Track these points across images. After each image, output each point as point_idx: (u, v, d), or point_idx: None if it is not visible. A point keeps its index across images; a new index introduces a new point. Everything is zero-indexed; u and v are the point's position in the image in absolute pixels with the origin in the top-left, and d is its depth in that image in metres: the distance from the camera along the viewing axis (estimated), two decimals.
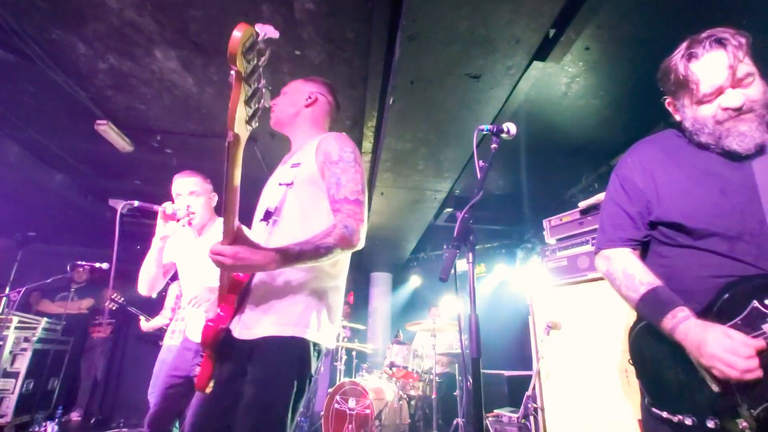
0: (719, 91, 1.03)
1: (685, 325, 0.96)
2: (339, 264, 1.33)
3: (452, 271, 1.12)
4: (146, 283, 2.18)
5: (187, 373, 2.08)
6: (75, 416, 4.68)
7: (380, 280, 7.09)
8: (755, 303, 0.92)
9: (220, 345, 1.24)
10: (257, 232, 1.40)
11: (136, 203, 2.21)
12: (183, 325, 3.30)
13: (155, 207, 2.18)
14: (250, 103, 1.05)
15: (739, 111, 1.01)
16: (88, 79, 2.99)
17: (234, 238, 1.12)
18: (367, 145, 3.66)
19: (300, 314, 1.20)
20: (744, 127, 1.01)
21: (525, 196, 4.58)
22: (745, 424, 0.88)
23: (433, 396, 3.56)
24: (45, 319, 4.16)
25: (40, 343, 4.05)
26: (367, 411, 3.30)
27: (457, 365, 4.31)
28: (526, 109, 2.96)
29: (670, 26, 2.21)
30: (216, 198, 2.31)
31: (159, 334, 3.75)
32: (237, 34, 0.89)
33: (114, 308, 3.71)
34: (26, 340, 3.92)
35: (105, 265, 4.07)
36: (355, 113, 3.29)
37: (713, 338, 0.90)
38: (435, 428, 3.49)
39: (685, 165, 1.11)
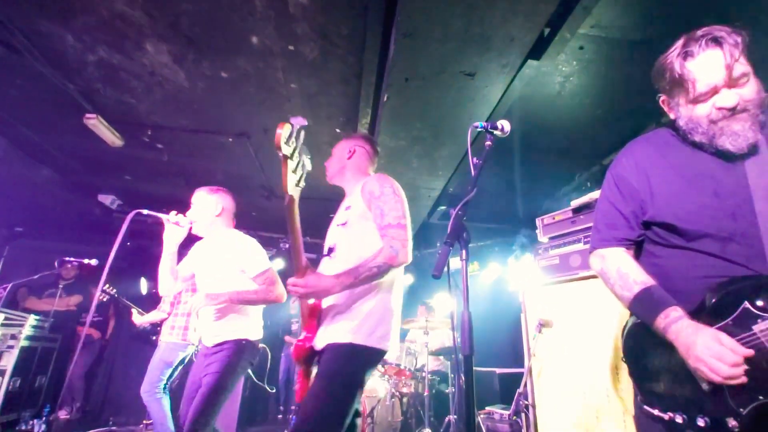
0: (714, 91, 1.03)
1: (677, 326, 0.97)
2: (387, 281, 1.58)
3: (445, 268, 1.11)
4: (163, 286, 2.43)
5: (200, 377, 2.18)
6: (63, 414, 4.62)
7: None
8: (746, 304, 0.93)
9: (308, 359, 1.61)
10: (324, 266, 1.70)
11: (146, 211, 2.40)
12: (183, 321, 3.28)
13: (161, 216, 2.38)
14: (296, 171, 1.45)
15: (733, 111, 1.01)
16: (76, 72, 2.94)
17: (304, 272, 1.49)
18: None
19: (356, 326, 1.49)
20: (737, 127, 1.01)
21: (518, 194, 4.60)
22: (734, 422, 0.89)
23: (425, 393, 3.57)
24: (32, 316, 4.09)
25: (27, 340, 3.98)
26: (359, 408, 3.30)
27: (449, 362, 4.33)
28: (520, 107, 2.96)
29: (664, 27, 2.23)
30: (220, 206, 2.46)
31: (151, 329, 3.69)
32: (279, 131, 1.32)
33: (105, 299, 3.61)
34: (13, 337, 3.85)
35: (94, 262, 4.02)
36: (349, 110, 3.27)
37: (702, 341, 0.91)
38: (427, 425, 3.50)
39: (679, 165, 1.11)
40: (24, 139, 3.89)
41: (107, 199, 5.16)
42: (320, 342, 1.56)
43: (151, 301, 3.63)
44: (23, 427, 3.91)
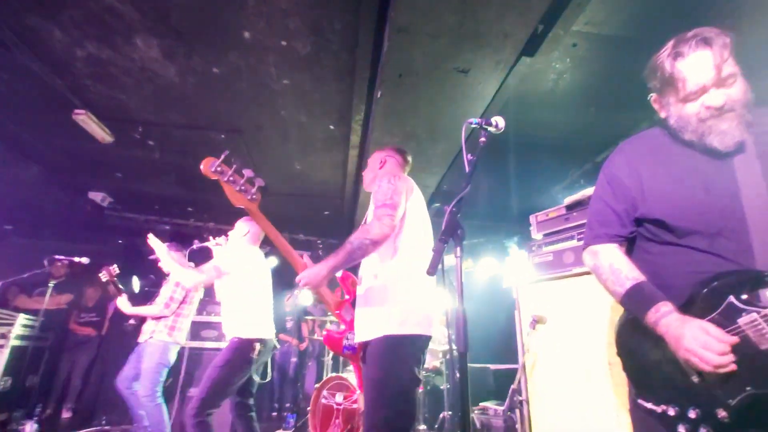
0: (703, 90, 1.05)
1: (666, 320, 0.99)
2: (405, 270, 1.66)
3: (440, 265, 1.11)
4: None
5: None
6: (65, 414, 4.58)
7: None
8: (731, 298, 0.95)
9: (349, 351, 1.82)
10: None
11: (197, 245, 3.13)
12: (187, 322, 3.31)
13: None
14: (242, 189, 1.74)
15: (721, 110, 1.04)
16: (65, 67, 2.89)
17: (303, 267, 1.72)
18: (355, 139, 3.62)
19: (383, 319, 1.57)
20: (725, 126, 1.03)
21: (512, 191, 4.61)
22: (723, 413, 0.91)
23: (420, 390, 3.58)
24: (22, 315, 4.03)
25: (17, 339, 3.92)
26: (355, 405, 3.30)
27: (444, 359, 4.34)
28: (513, 104, 2.96)
29: (657, 25, 2.23)
30: (242, 229, 2.84)
31: (133, 327, 3.57)
32: (201, 166, 1.73)
33: (105, 279, 3.48)
34: (3, 336, 3.79)
35: (85, 260, 3.96)
36: (343, 107, 3.25)
37: (690, 333, 0.94)
38: (422, 421, 3.51)
39: (670, 163, 1.14)
40: (12, 136, 3.83)
41: (98, 197, 5.10)
42: (358, 336, 1.68)
43: (143, 299, 3.58)
44: (15, 427, 3.87)
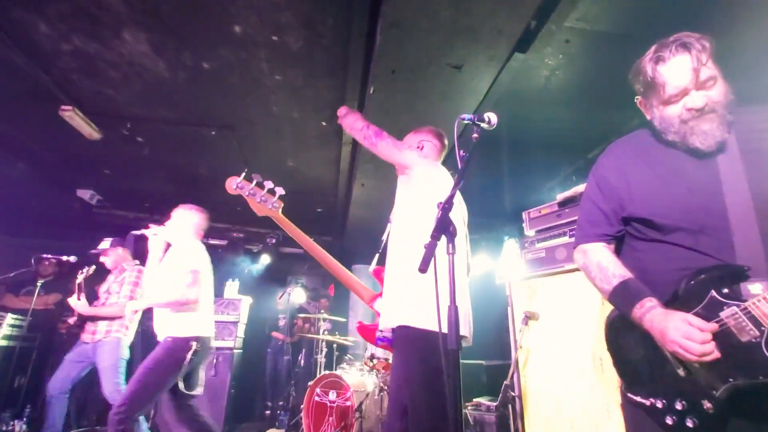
0: (684, 93, 1.09)
1: (651, 314, 1.03)
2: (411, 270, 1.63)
3: (432, 262, 1.11)
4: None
5: None
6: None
7: (361, 272, 7.07)
8: (713, 292, 0.99)
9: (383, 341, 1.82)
10: None
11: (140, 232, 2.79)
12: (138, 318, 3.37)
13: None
14: (262, 199, 1.93)
15: (701, 111, 1.08)
16: (51, 61, 2.82)
17: (333, 263, 1.99)
18: (348, 135, 3.60)
19: (405, 310, 1.56)
20: (706, 126, 1.07)
21: (505, 188, 4.62)
22: (708, 404, 0.95)
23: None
24: (9, 314, 3.96)
25: (5, 339, 3.87)
26: (348, 403, 3.30)
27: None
28: (506, 101, 2.96)
29: (649, 21, 2.24)
30: (189, 219, 2.80)
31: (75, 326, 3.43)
32: (226, 184, 1.96)
33: (80, 280, 3.36)
34: None
35: (73, 259, 3.90)
36: (335, 103, 3.22)
37: (673, 325, 0.97)
38: None
39: (655, 163, 1.18)
40: None
41: (86, 194, 5.02)
42: (383, 323, 1.69)
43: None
44: (4, 428, 3.80)
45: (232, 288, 5.01)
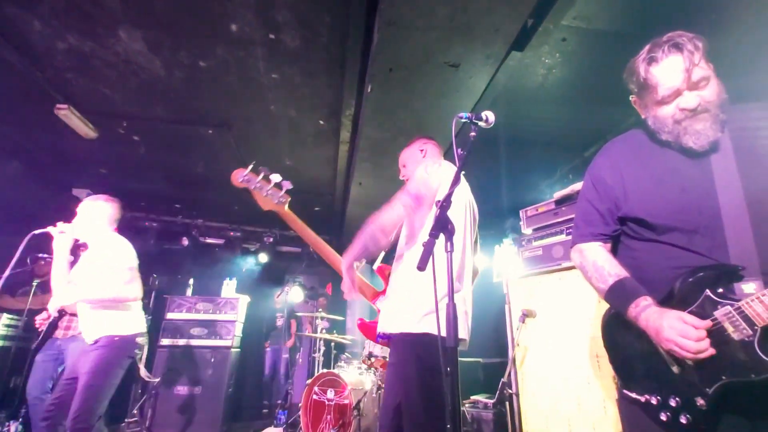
0: (677, 93, 1.10)
1: (646, 313, 1.04)
2: (409, 273, 1.63)
3: (430, 260, 1.11)
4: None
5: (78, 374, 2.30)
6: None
7: (359, 270, 7.08)
8: (707, 292, 1.00)
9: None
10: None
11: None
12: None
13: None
14: (268, 193, 1.82)
15: (694, 111, 1.08)
16: (45, 59, 2.81)
17: (338, 260, 1.77)
18: (345, 134, 3.60)
19: (405, 316, 1.55)
20: (699, 126, 1.08)
21: (502, 186, 4.63)
22: (702, 401, 0.96)
23: None
24: (6, 314, 3.94)
25: (0, 340, 3.84)
26: (346, 401, 3.30)
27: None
28: (503, 99, 2.97)
29: (645, 20, 2.25)
30: (102, 211, 2.64)
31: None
32: (232, 176, 1.84)
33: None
34: None
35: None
36: (333, 101, 3.22)
37: (668, 323, 0.98)
38: None
39: (650, 163, 1.19)
40: None
41: (82, 194, 4.98)
42: (384, 327, 1.66)
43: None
44: (4, 429, 3.79)
45: (229, 287, 5.01)
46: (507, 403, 2.71)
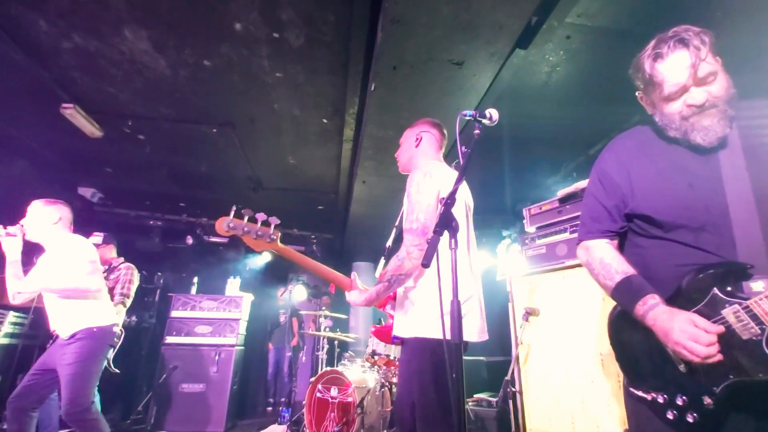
0: (684, 89, 1.08)
1: (654, 312, 1.02)
2: (419, 278, 1.63)
3: (435, 257, 1.11)
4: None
5: (56, 368, 2.42)
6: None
7: (362, 269, 7.09)
8: (715, 290, 0.99)
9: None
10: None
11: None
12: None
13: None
14: (258, 235, 1.73)
15: (702, 107, 1.06)
16: (51, 59, 2.83)
17: (349, 286, 1.75)
18: (349, 132, 3.60)
19: (413, 320, 1.58)
20: (707, 122, 1.06)
21: (506, 184, 4.62)
22: (709, 400, 0.95)
23: None
24: (11, 312, 3.97)
25: (6, 337, 3.87)
26: (350, 399, 3.31)
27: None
28: (507, 97, 2.96)
29: (650, 17, 2.24)
30: (56, 214, 2.68)
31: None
32: (216, 225, 1.71)
33: None
34: None
35: None
36: (336, 100, 3.22)
37: (678, 326, 0.96)
38: None
39: (657, 160, 1.17)
40: None
41: (87, 192, 5.02)
42: (397, 331, 1.68)
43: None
44: (5, 426, 3.82)
45: (233, 285, 5.03)
46: (510, 402, 2.70)
